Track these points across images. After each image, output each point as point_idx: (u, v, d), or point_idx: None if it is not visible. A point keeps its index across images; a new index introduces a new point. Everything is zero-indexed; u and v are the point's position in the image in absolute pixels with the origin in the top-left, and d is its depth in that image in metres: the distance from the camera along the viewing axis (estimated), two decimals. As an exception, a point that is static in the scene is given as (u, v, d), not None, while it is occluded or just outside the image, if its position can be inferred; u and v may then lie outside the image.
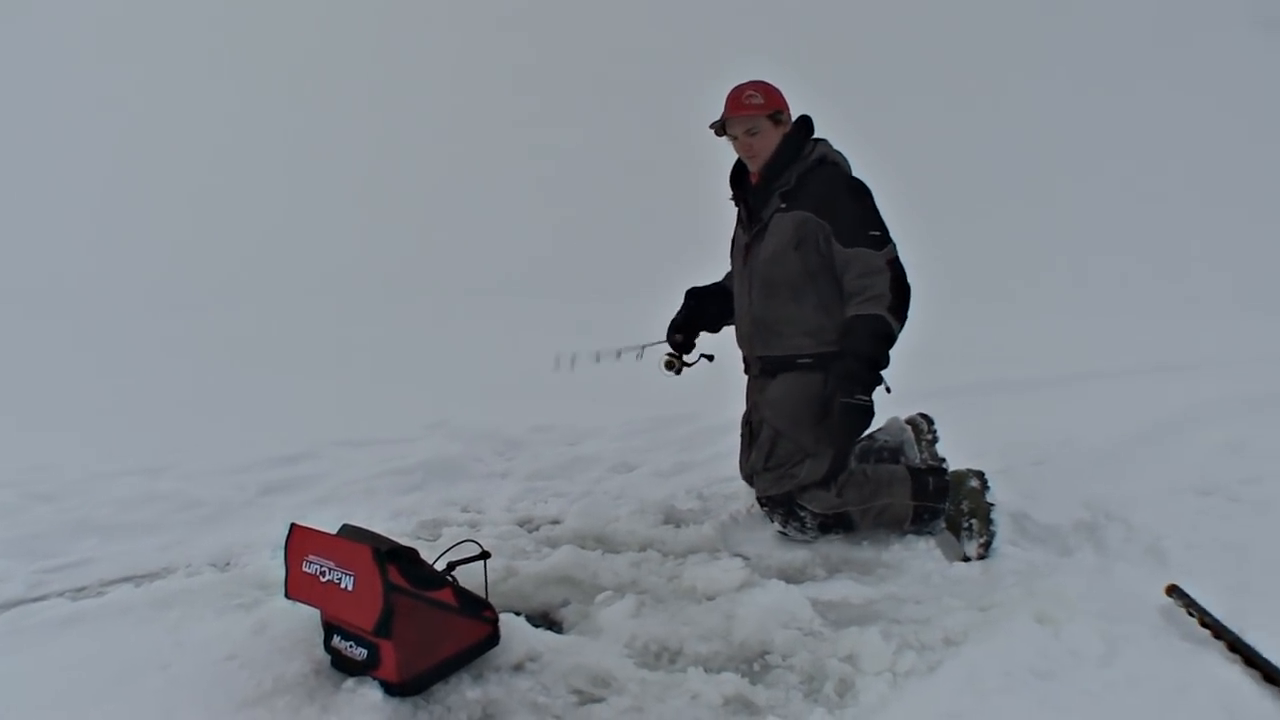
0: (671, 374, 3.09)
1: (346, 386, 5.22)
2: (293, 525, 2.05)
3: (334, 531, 2.07)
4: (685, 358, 3.11)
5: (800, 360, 2.89)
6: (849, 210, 2.81)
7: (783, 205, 2.87)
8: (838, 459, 2.86)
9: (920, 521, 2.86)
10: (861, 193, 2.86)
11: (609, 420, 4.45)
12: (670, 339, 3.12)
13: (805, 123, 2.99)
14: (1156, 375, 6.65)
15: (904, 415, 3.23)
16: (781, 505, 2.86)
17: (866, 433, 3.18)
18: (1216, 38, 18.10)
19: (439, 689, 1.95)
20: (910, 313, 2.81)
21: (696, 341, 3.15)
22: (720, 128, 2.92)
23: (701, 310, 3.16)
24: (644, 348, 3.17)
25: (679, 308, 3.19)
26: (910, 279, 2.80)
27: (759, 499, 2.98)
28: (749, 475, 3.06)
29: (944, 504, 2.85)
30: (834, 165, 2.92)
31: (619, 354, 3.23)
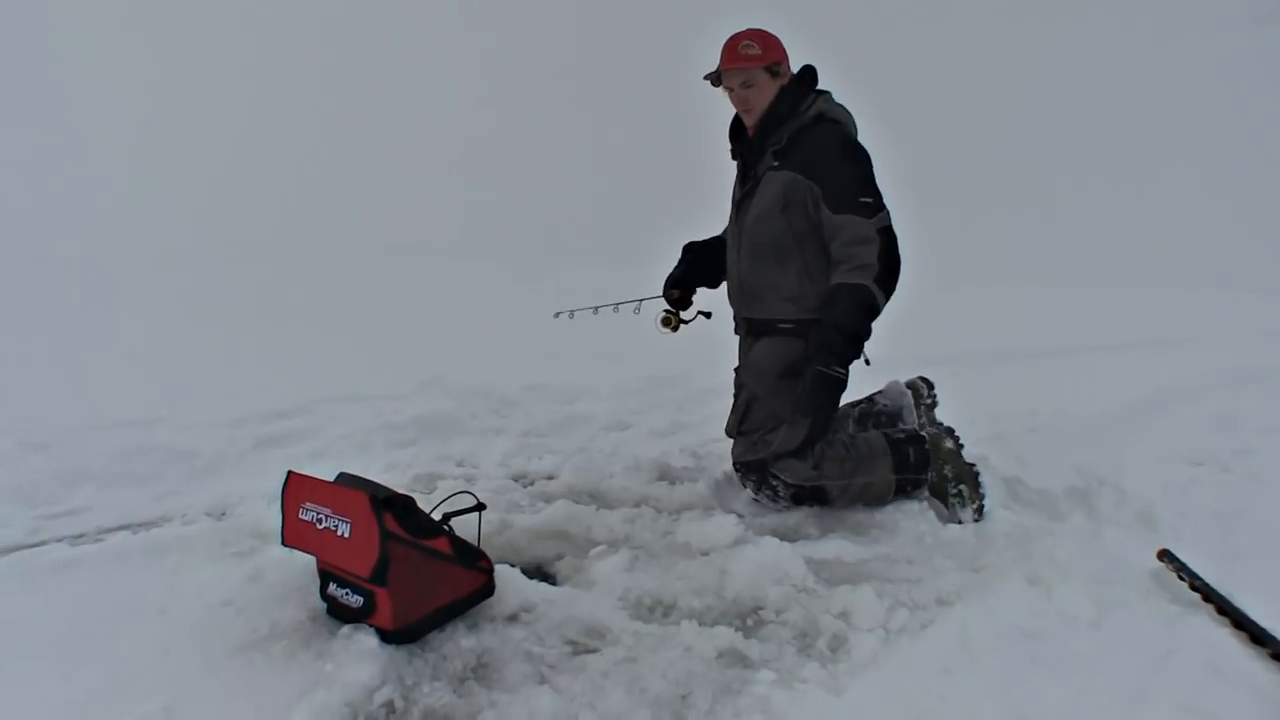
0: (669, 331, 3.01)
1: (340, 344, 5.21)
2: (290, 472, 2.04)
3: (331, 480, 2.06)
4: (682, 314, 3.04)
5: (781, 325, 2.81)
6: (841, 174, 2.67)
7: (775, 164, 2.76)
8: (815, 427, 2.78)
9: (903, 493, 2.84)
10: (857, 155, 2.71)
11: (603, 380, 4.46)
12: (666, 295, 3.05)
13: (806, 75, 2.85)
14: (1148, 349, 6.70)
15: (904, 379, 3.22)
16: (755, 472, 2.81)
17: (865, 395, 3.18)
18: (1211, 34, 18.01)
19: (434, 637, 1.97)
20: (899, 285, 2.67)
21: (694, 298, 3.08)
22: (716, 78, 2.81)
23: (698, 266, 3.08)
24: (641, 302, 3.12)
25: (676, 263, 3.11)
26: (901, 250, 2.66)
27: (734, 464, 2.92)
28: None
29: (926, 474, 2.83)
30: (832, 124, 2.76)
31: (616, 307, 3.20)
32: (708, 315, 3.08)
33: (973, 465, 2.85)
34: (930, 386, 3.20)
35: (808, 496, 2.78)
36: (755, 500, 2.87)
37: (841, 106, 2.84)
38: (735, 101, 2.84)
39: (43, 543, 2.49)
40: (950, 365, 5.50)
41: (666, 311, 3.05)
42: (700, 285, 3.10)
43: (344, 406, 3.87)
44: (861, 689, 1.84)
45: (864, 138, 2.83)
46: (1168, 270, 11.97)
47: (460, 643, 1.95)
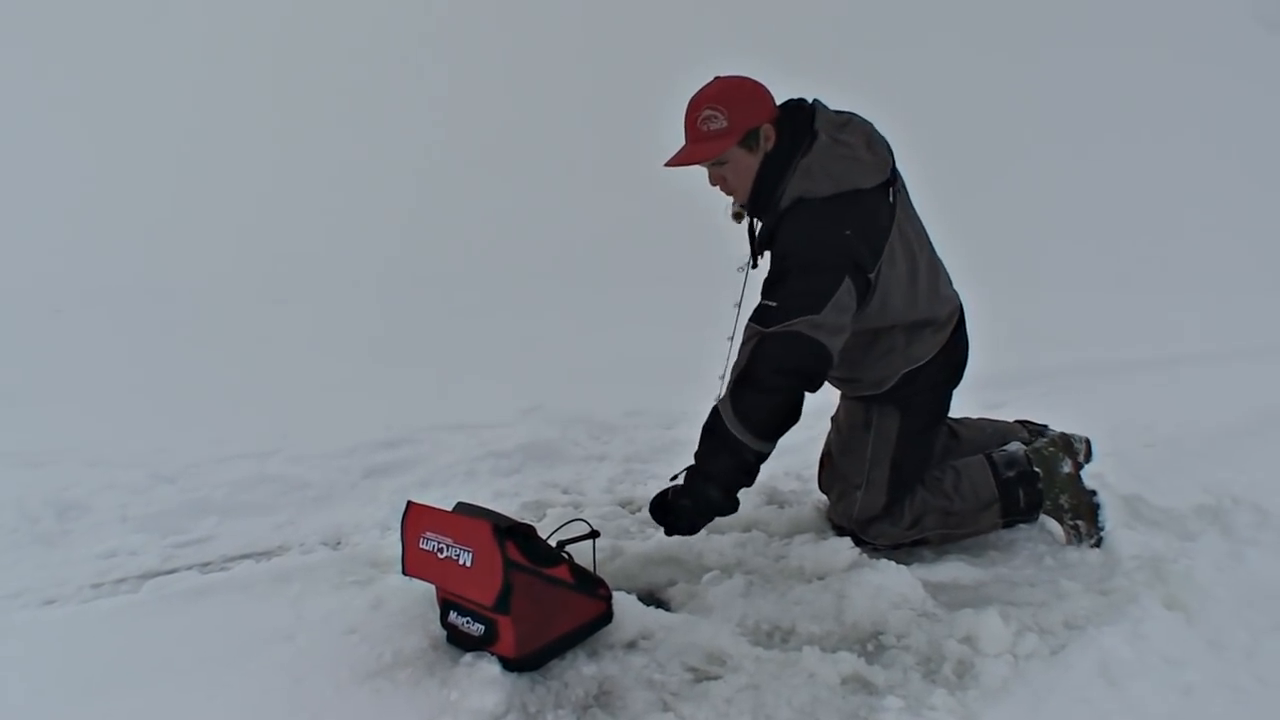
0: (737, 222, 2.69)
1: (441, 374, 5.32)
2: (409, 502, 2.08)
3: (448, 509, 2.10)
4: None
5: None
6: (771, 274, 2.30)
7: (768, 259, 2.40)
8: (896, 484, 2.53)
9: (1010, 528, 2.70)
10: (798, 252, 2.24)
11: (701, 405, 4.42)
12: None
13: (788, 129, 2.32)
14: (1266, 357, 6.33)
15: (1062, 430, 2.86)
16: (847, 534, 2.62)
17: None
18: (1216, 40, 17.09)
19: (555, 665, 1.98)
20: (763, 400, 2.25)
21: None
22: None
23: None
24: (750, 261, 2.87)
25: None
26: (786, 359, 2.21)
27: (827, 517, 2.79)
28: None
29: (1037, 514, 2.68)
30: (803, 211, 2.26)
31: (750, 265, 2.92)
32: None
33: (1093, 494, 2.67)
34: (1089, 454, 2.81)
35: (908, 547, 2.61)
36: None
37: (836, 147, 2.30)
38: (711, 182, 2.44)
39: (175, 570, 2.60)
40: (1058, 377, 5.32)
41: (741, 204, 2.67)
42: None
43: (448, 435, 3.95)
44: (995, 718, 1.78)
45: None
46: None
47: (581, 670, 1.96)
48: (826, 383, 2.40)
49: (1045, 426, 2.92)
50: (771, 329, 2.20)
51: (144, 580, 2.49)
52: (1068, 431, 2.86)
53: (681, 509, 2.35)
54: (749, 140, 2.30)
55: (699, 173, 2.48)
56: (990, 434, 2.88)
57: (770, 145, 2.32)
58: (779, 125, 2.33)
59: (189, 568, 2.62)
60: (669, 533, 2.41)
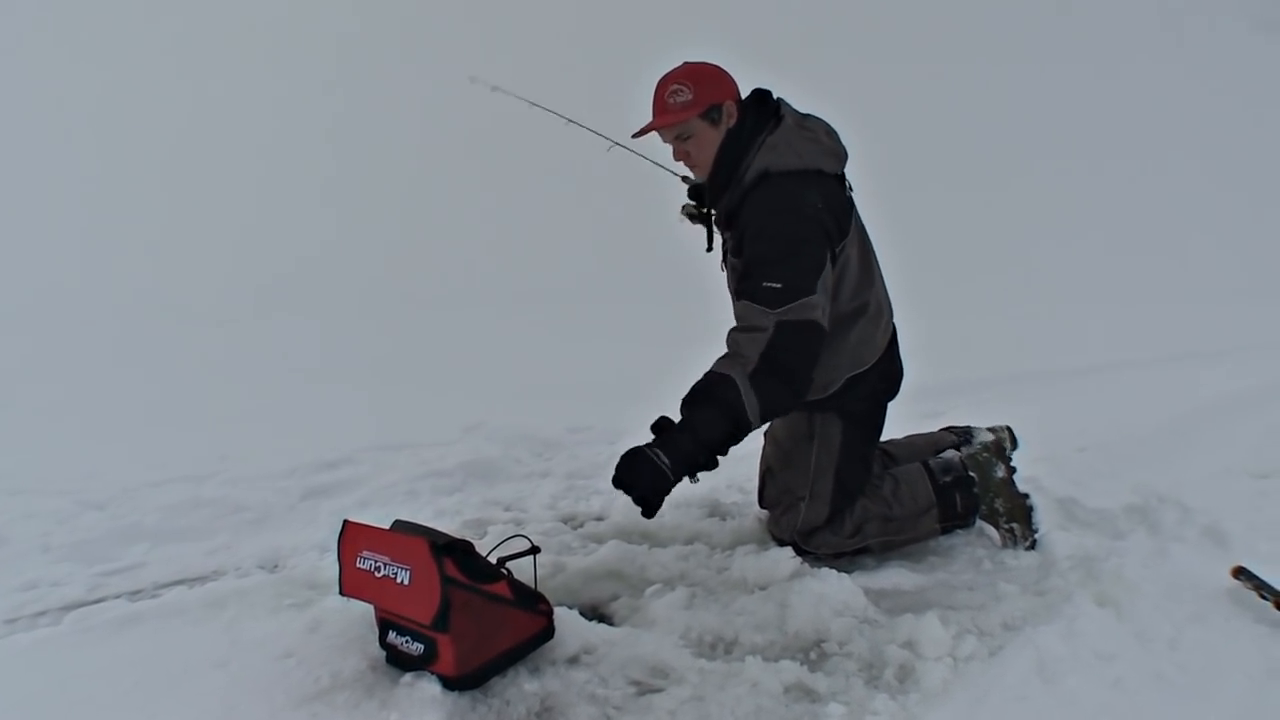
0: (688, 223, 2.75)
1: (381, 393, 5.26)
2: (346, 521, 2.04)
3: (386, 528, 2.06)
4: (706, 210, 2.72)
5: None
6: (752, 253, 2.29)
7: (729, 235, 2.46)
8: (839, 495, 2.54)
9: (949, 534, 2.74)
10: (779, 226, 2.26)
11: (644, 420, 4.42)
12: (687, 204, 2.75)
13: (752, 109, 2.43)
14: (1192, 362, 6.58)
15: (989, 424, 2.94)
16: (789, 545, 2.61)
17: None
18: (1217, 38, 17.83)
19: (496, 682, 1.95)
20: (789, 395, 2.25)
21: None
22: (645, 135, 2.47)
23: None
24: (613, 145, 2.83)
25: None
26: (808, 353, 2.25)
27: (768, 531, 2.78)
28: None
29: (974, 518, 2.73)
30: (772, 184, 2.30)
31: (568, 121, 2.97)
32: None
33: (1025, 497, 2.74)
34: (1013, 442, 2.90)
35: (850, 555, 2.62)
36: None
37: (801, 130, 2.40)
38: (676, 158, 2.51)
39: (102, 599, 2.51)
40: (993, 387, 5.44)
41: (691, 206, 2.73)
42: None
43: (389, 455, 3.90)
44: (936, 719, 1.80)
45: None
46: (1198, 282, 11.77)
47: (523, 687, 1.93)
48: None
49: (969, 428, 2.97)
50: (783, 314, 2.20)
51: (66, 612, 2.39)
52: (991, 425, 2.93)
53: (661, 468, 2.22)
54: (712, 113, 2.38)
55: (650, 189, 2.51)
56: (922, 446, 2.93)
57: (733, 122, 2.40)
58: (744, 106, 2.42)
59: (117, 597, 2.53)
60: (640, 498, 2.25)
